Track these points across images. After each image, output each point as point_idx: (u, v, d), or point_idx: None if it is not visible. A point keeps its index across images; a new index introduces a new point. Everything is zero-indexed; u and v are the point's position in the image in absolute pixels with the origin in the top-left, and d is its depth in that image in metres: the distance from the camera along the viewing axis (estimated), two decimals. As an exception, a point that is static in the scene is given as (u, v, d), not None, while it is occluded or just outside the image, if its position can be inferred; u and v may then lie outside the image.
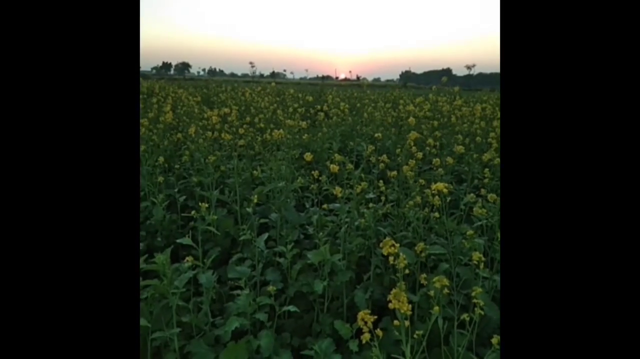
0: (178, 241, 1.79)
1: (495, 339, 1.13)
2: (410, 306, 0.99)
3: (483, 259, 1.43)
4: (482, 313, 1.30)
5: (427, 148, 2.35)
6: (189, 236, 1.74)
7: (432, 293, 1.09)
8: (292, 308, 1.63)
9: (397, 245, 0.96)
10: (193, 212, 1.84)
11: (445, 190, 1.18)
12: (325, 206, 2.16)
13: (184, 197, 2.77)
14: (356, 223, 1.83)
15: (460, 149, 2.19)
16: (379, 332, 0.99)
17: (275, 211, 2.33)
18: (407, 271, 1.31)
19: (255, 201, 1.82)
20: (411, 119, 2.61)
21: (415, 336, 1.10)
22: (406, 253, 1.69)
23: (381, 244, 0.96)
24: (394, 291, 0.90)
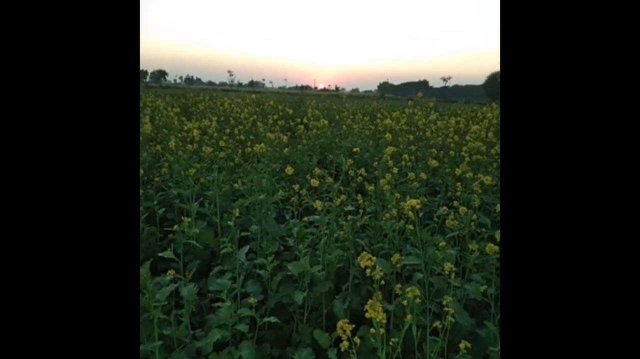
0: (160, 254, 1.80)
1: (462, 344, 1.20)
2: (385, 315, 1.06)
3: (454, 269, 1.52)
4: (454, 320, 1.38)
5: (403, 162, 2.45)
6: (170, 249, 1.76)
7: (405, 302, 1.16)
8: (272, 319, 1.67)
9: (374, 258, 1.02)
10: (175, 226, 1.85)
11: (418, 206, 1.26)
12: (305, 218, 2.22)
13: (163, 209, 2.77)
14: (335, 235, 1.89)
15: (434, 163, 2.30)
16: (356, 340, 1.05)
17: (255, 223, 2.37)
18: (382, 282, 1.38)
19: (236, 213, 1.86)
20: (388, 135, 2.71)
21: (390, 343, 1.16)
22: (382, 264, 1.76)
23: (359, 258, 1.03)
24: (370, 301, 0.96)
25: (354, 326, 1.01)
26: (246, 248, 1.94)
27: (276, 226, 2.30)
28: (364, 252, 1.04)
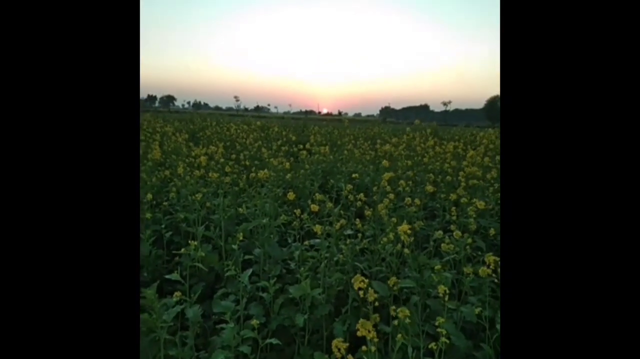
0: (167, 276, 1.88)
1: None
2: (383, 336, 1.12)
3: (448, 291, 1.58)
4: (448, 341, 1.43)
5: (400, 188, 2.54)
6: (177, 272, 1.84)
7: (396, 322, 1.23)
8: (274, 341, 1.73)
9: (367, 281, 1.10)
10: (183, 249, 1.94)
11: (409, 231, 1.34)
12: (306, 242, 2.29)
13: (170, 232, 2.86)
14: (335, 258, 1.97)
15: (430, 188, 2.39)
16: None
17: (258, 246, 2.45)
18: (377, 303, 1.45)
19: (241, 237, 1.94)
20: (385, 162, 2.82)
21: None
22: (380, 287, 1.83)
23: (353, 280, 1.11)
24: (361, 321, 1.03)
25: (347, 344, 1.08)
26: (249, 271, 2.02)
27: (278, 249, 2.38)
28: (358, 275, 1.11)
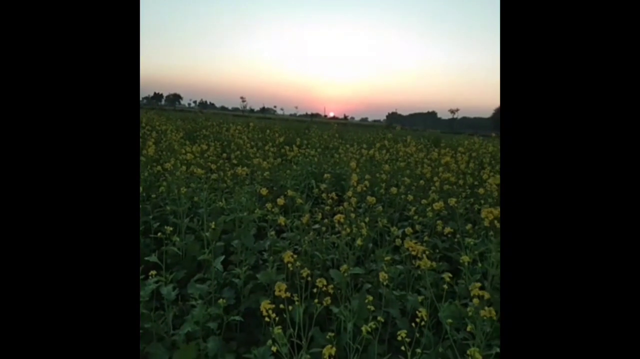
0: (146, 258, 2.10)
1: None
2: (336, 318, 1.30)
3: (387, 279, 1.78)
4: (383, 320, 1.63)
5: (381, 190, 2.73)
6: (155, 255, 2.06)
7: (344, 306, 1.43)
8: (237, 318, 1.94)
9: (295, 256, 1.31)
10: (159, 233, 2.16)
11: (364, 229, 1.53)
12: (283, 234, 2.50)
13: (158, 223, 3.08)
14: (298, 249, 2.17)
15: (393, 190, 2.60)
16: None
17: (236, 238, 2.66)
18: (332, 290, 1.66)
19: (213, 226, 2.15)
20: (352, 165, 3.03)
21: (328, 337, 1.43)
22: (336, 274, 2.04)
23: (283, 255, 1.32)
24: (277, 284, 1.24)
25: (274, 305, 1.28)
26: (221, 257, 2.23)
27: (253, 241, 2.59)
28: (288, 252, 1.32)
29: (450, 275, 1.56)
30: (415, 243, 1.61)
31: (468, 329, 1.38)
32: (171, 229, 2.09)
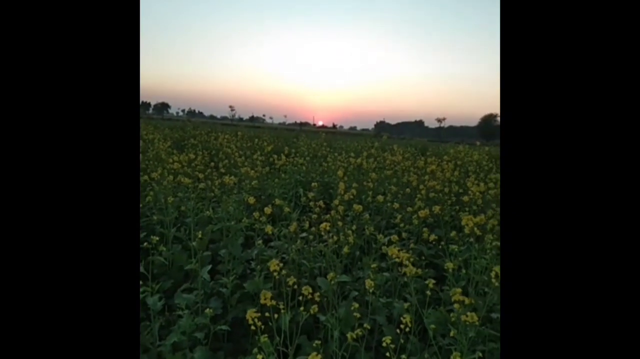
0: (132, 269, 2.08)
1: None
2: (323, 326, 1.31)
3: (373, 287, 1.80)
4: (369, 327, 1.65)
5: (368, 198, 2.76)
6: (142, 265, 2.05)
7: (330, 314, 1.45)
8: (224, 327, 1.93)
9: (280, 264, 1.33)
10: (145, 243, 2.15)
11: (351, 237, 1.55)
12: (271, 243, 2.51)
13: (145, 233, 3.06)
14: (285, 257, 2.18)
15: (380, 199, 2.64)
16: None
17: (224, 247, 2.65)
18: (318, 298, 1.67)
19: (200, 236, 2.15)
20: (339, 173, 3.07)
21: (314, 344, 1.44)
22: (323, 282, 2.05)
23: (269, 264, 1.33)
24: (262, 292, 1.25)
25: (259, 313, 1.29)
26: (208, 267, 2.23)
27: (240, 250, 2.59)
28: (274, 260, 1.34)
29: (434, 282, 1.59)
30: (400, 250, 1.64)
31: (451, 334, 1.40)
32: (158, 239, 2.09)
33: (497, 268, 1.51)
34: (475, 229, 1.66)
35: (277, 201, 2.37)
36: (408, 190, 3.35)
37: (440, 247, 2.61)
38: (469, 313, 1.34)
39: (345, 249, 1.99)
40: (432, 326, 1.47)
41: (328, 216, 2.58)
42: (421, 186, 3.35)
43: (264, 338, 1.64)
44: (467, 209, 3.18)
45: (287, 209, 2.32)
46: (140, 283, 1.99)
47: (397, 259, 2.34)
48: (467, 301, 1.35)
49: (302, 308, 1.62)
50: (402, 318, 1.49)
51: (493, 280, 1.48)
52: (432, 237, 2.36)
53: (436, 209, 2.41)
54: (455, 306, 1.34)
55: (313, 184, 2.98)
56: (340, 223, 2.44)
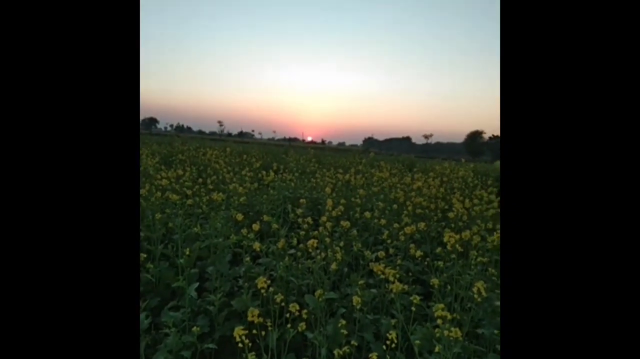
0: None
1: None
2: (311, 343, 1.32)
3: (360, 303, 1.82)
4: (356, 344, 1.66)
5: (356, 214, 2.79)
6: (128, 283, 2.03)
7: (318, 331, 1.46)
8: (211, 345, 1.92)
9: (269, 282, 1.35)
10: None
11: (338, 254, 1.58)
12: (259, 260, 2.52)
13: (131, 250, 3.03)
14: (273, 274, 2.19)
15: (368, 215, 2.68)
16: None
17: (211, 264, 2.65)
18: (306, 315, 1.68)
19: (188, 253, 2.15)
20: (327, 189, 3.11)
21: None
22: (311, 299, 2.06)
23: (257, 281, 1.35)
24: (250, 309, 1.27)
25: (247, 331, 1.30)
26: (196, 284, 2.22)
27: (228, 267, 2.59)
28: (261, 277, 1.35)
29: (419, 298, 1.62)
30: (386, 267, 1.67)
31: (436, 350, 1.43)
32: (145, 256, 2.08)
33: (479, 284, 1.55)
34: (457, 245, 1.70)
35: (266, 217, 2.39)
36: (395, 206, 3.40)
37: (426, 263, 2.65)
38: (452, 329, 1.37)
39: (333, 266, 2.01)
40: (418, 342, 1.49)
41: (316, 232, 2.61)
42: (408, 202, 3.41)
43: (251, 356, 1.63)
44: (452, 225, 3.24)
45: (275, 226, 2.34)
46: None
47: (382, 276, 2.38)
48: (449, 316, 1.38)
49: (289, 326, 1.63)
50: (387, 334, 1.51)
51: (476, 296, 1.52)
52: (419, 253, 2.40)
53: (422, 225, 2.45)
54: (439, 321, 1.37)
55: (301, 200, 3.01)
56: (328, 239, 2.46)
